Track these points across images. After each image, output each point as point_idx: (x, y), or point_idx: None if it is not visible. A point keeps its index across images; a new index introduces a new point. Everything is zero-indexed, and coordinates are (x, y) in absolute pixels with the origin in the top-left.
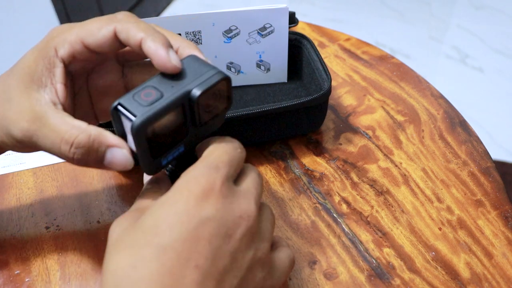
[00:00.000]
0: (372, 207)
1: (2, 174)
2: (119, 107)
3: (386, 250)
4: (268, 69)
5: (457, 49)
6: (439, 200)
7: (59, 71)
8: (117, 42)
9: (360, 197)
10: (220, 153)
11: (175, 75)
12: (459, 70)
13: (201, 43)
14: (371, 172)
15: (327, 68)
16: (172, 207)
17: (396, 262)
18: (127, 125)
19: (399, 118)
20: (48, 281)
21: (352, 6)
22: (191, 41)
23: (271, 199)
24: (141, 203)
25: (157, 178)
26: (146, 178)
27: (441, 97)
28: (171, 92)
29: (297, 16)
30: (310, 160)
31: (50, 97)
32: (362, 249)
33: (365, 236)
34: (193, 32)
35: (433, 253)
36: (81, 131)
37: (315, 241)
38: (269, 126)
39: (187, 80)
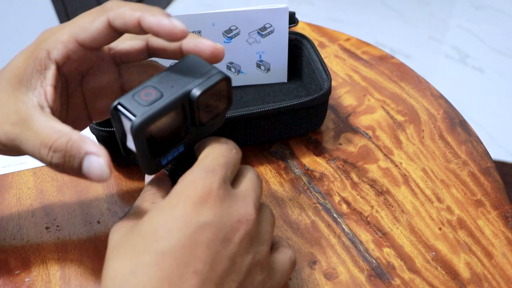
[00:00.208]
0: (372, 207)
1: (2, 174)
2: (119, 107)
3: (386, 250)
4: (268, 69)
5: (457, 49)
6: (439, 200)
7: (50, 73)
8: (112, 32)
9: (360, 197)
10: (215, 156)
11: (175, 75)
12: (459, 70)
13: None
14: (371, 172)
15: (327, 68)
16: (170, 212)
17: (396, 262)
18: (127, 125)
19: (399, 118)
20: (48, 281)
21: (352, 6)
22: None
23: (271, 199)
24: (140, 205)
25: (158, 179)
26: (148, 178)
27: (441, 97)
28: (171, 92)
29: (297, 16)
30: (310, 160)
31: (38, 100)
32: (362, 249)
33: (365, 236)
34: (193, 32)
35: (433, 253)
36: (61, 135)
37: (315, 241)
38: (269, 126)
39: (187, 80)
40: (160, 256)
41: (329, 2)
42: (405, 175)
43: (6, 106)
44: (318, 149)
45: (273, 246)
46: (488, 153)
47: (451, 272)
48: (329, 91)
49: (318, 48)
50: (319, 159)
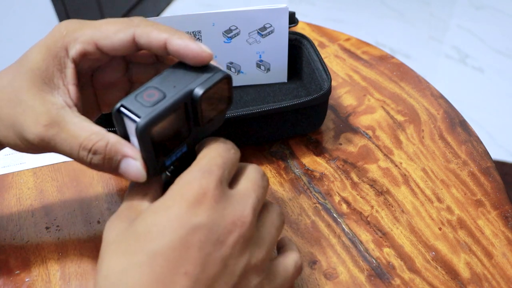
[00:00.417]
0: (372, 207)
1: (2, 174)
2: (122, 109)
3: (386, 250)
4: (268, 69)
5: (457, 49)
6: (439, 200)
7: (70, 72)
8: (133, 47)
9: (360, 197)
10: (213, 156)
11: (176, 75)
12: (459, 70)
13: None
14: (371, 172)
15: (327, 68)
16: (164, 213)
17: (396, 262)
18: (131, 127)
19: (399, 118)
20: (48, 281)
21: (352, 6)
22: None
23: (271, 199)
24: (132, 199)
25: None
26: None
27: (441, 97)
28: (174, 92)
29: (297, 16)
30: (310, 160)
31: (64, 99)
32: (362, 249)
33: (365, 236)
34: (193, 32)
35: (433, 253)
36: (99, 137)
37: (315, 241)
38: (269, 126)
39: (188, 79)
40: (152, 256)
41: (329, 2)
42: (405, 175)
43: (34, 107)
44: (318, 149)
45: (281, 249)
46: (488, 153)
47: (451, 272)
48: (329, 91)
49: (318, 48)
50: (319, 159)
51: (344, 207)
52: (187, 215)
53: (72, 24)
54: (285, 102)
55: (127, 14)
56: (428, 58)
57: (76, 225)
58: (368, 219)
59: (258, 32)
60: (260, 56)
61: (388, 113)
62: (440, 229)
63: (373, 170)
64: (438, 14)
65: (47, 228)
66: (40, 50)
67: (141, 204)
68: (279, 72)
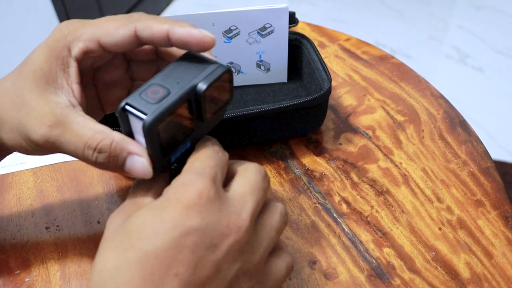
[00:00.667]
0: (372, 207)
1: (2, 174)
2: (127, 107)
3: (386, 250)
4: (268, 69)
5: (457, 49)
6: (439, 200)
7: (73, 70)
8: (136, 42)
9: (360, 197)
10: (204, 158)
11: (178, 71)
12: (459, 70)
13: None
14: (371, 172)
15: (327, 68)
16: (159, 214)
17: (396, 262)
18: (137, 125)
19: (399, 118)
20: (48, 281)
21: (352, 6)
22: None
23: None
24: (135, 195)
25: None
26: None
27: (441, 97)
28: (178, 88)
29: (297, 16)
30: (310, 160)
31: (68, 99)
32: (362, 249)
33: (365, 236)
34: None
35: (433, 253)
36: (104, 136)
37: (315, 241)
38: (269, 126)
39: (190, 75)
40: (144, 255)
41: (329, 2)
42: (405, 175)
43: (38, 107)
44: (318, 149)
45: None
46: (488, 153)
47: (451, 272)
48: (329, 91)
49: (318, 48)
50: (319, 159)
51: (344, 207)
52: (182, 218)
53: (73, 23)
54: (285, 102)
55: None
56: (428, 58)
57: (76, 225)
58: (368, 219)
59: (258, 32)
60: (260, 56)
61: (388, 113)
62: (440, 229)
63: (373, 170)
64: (438, 14)
65: (47, 228)
66: (43, 51)
67: (144, 200)
68: (279, 72)
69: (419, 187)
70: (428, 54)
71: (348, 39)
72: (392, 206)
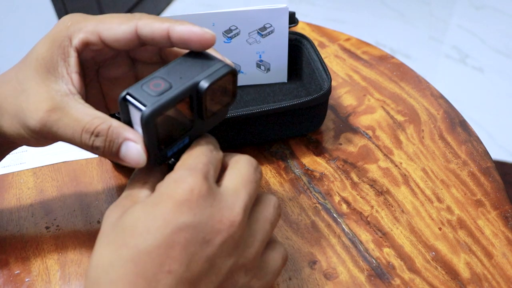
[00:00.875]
0: (372, 207)
1: (2, 174)
2: (128, 97)
3: (386, 250)
4: (268, 69)
5: (457, 49)
6: (439, 200)
7: (73, 60)
8: (136, 40)
9: (360, 197)
10: (197, 155)
11: (183, 67)
12: (459, 70)
13: None
14: (371, 172)
15: (327, 68)
16: (151, 210)
17: (396, 262)
18: (136, 115)
19: (399, 118)
20: (48, 281)
21: (352, 6)
22: None
23: None
24: (132, 188)
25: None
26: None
27: (441, 97)
28: (180, 83)
29: (297, 16)
30: (310, 160)
31: (68, 87)
32: (362, 249)
33: (365, 236)
34: None
35: (433, 253)
36: (102, 121)
37: (315, 241)
38: (269, 126)
39: (195, 72)
40: (137, 252)
41: (329, 2)
42: (405, 175)
43: (38, 94)
44: (318, 149)
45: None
46: (488, 153)
47: (451, 272)
48: (329, 91)
49: (318, 48)
50: (319, 159)
51: (344, 207)
52: (173, 214)
53: (76, 16)
54: (285, 102)
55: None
56: (428, 58)
57: (76, 225)
58: (368, 219)
59: (258, 32)
60: (260, 56)
61: (388, 113)
62: (440, 229)
63: (373, 170)
64: (438, 14)
65: (47, 228)
66: (45, 42)
67: (140, 193)
68: (279, 72)
69: (419, 187)
70: (428, 54)
71: (348, 39)
72: (392, 206)
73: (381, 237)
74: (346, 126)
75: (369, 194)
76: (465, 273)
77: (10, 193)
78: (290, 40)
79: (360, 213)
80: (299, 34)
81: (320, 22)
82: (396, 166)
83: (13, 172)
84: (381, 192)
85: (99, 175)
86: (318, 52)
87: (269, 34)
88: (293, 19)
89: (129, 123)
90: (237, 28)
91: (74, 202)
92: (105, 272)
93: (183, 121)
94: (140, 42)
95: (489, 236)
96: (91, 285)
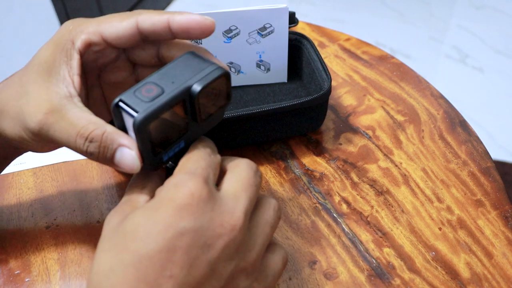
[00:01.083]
0: (372, 207)
1: (2, 174)
2: (121, 104)
3: (386, 250)
4: (268, 69)
5: (457, 49)
6: (439, 200)
7: (75, 62)
8: (138, 35)
9: (360, 197)
10: (196, 159)
11: (175, 71)
12: (459, 70)
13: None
14: (371, 172)
15: (327, 68)
16: (152, 215)
17: (396, 262)
18: (129, 121)
19: (399, 118)
20: (48, 281)
21: (352, 6)
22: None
23: None
24: (131, 193)
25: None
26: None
27: (441, 97)
28: (172, 88)
29: (297, 16)
30: (310, 160)
31: (68, 89)
32: (362, 249)
33: (365, 236)
34: None
35: (433, 253)
36: (97, 126)
37: (315, 241)
38: (269, 126)
39: (187, 75)
40: (138, 257)
41: (329, 2)
42: (405, 175)
43: (38, 96)
44: (318, 149)
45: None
46: (488, 153)
47: (451, 272)
48: (329, 91)
49: (318, 48)
50: (319, 159)
51: (344, 207)
52: (174, 219)
53: (78, 20)
54: (285, 102)
55: None
56: (428, 58)
57: (76, 225)
58: (368, 219)
59: (258, 32)
60: (260, 56)
61: (388, 113)
62: (440, 229)
63: (373, 170)
64: (438, 14)
65: (47, 228)
66: (48, 46)
67: (139, 197)
68: (279, 72)
69: (419, 187)
70: (428, 54)
71: (348, 39)
72: (392, 206)
73: (381, 237)
74: (346, 126)
75: (369, 194)
76: (465, 273)
77: (10, 193)
78: (290, 40)
79: (360, 213)
80: (299, 34)
81: (320, 22)
82: (396, 166)
83: (13, 172)
84: (381, 192)
85: (99, 175)
86: (318, 52)
87: (269, 34)
88: (293, 19)
89: (123, 129)
90: (237, 28)
91: (74, 202)
92: (106, 277)
93: (178, 125)
94: (142, 38)
95: (489, 236)
96: None
